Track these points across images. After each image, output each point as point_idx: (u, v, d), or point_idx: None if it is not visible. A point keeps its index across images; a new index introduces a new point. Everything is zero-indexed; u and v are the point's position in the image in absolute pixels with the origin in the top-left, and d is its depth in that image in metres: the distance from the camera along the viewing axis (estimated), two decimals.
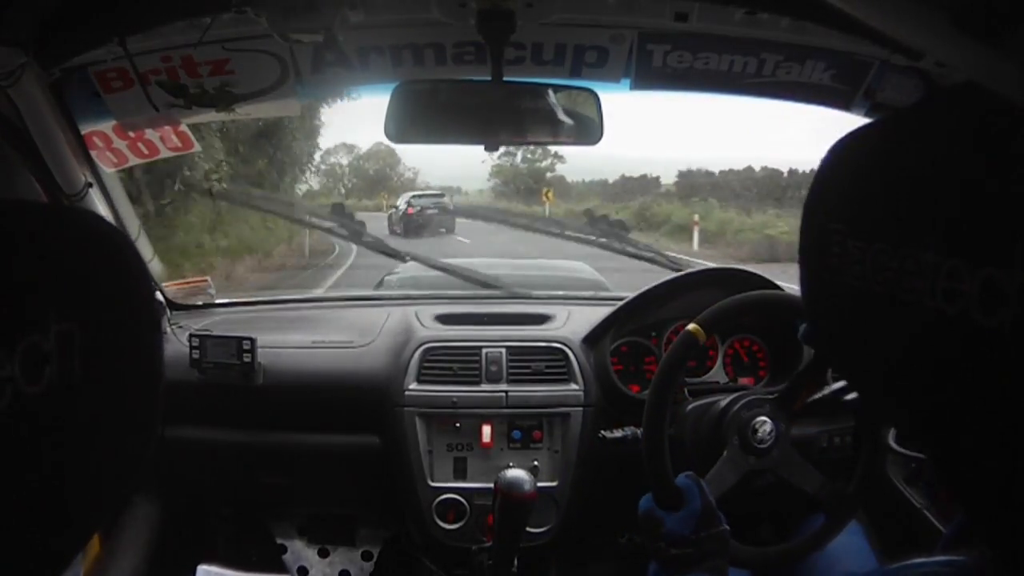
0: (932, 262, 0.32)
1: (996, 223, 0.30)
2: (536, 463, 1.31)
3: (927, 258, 0.32)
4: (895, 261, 0.34)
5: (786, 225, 9.35)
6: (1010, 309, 0.28)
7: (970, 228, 0.31)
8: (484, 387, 1.33)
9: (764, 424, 1.04)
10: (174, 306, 1.57)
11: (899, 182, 0.35)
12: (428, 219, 10.12)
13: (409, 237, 9.38)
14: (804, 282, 0.43)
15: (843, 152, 0.40)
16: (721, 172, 16.01)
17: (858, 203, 0.38)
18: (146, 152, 1.40)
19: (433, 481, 1.30)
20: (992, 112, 0.31)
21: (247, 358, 1.33)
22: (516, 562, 1.09)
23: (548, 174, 18.55)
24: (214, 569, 1.12)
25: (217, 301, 1.63)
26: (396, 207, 11.28)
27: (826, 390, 1.13)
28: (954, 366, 0.32)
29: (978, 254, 0.30)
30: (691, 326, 1.01)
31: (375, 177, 18.84)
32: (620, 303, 1.39)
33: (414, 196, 11.27)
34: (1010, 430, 0.29)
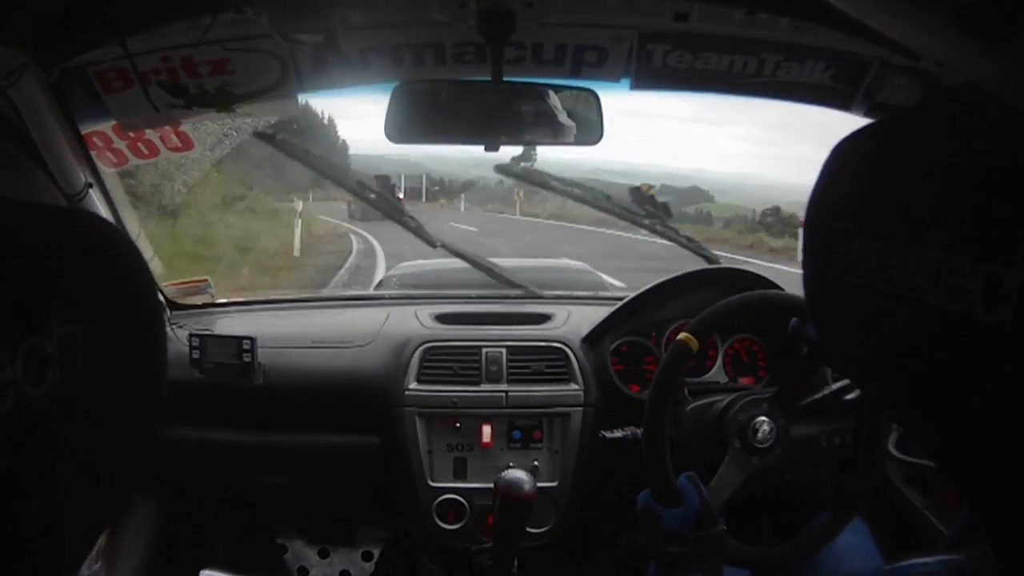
0: (935, 259, 0.32)
1: (998, 220, 0.30)
2: (536, 463, 1.31)
3: (930, 255, 0.32)
4: (898, 259, 0.34)
5: None
6: (1012, 305, 0.28)
7: (972, 225, 0.31)
8: (484, 387, 1.33)
9: (764, 424, 1.04)
10: (174, 306, 1.57)
11: (902, 180, 0.35)
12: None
13: None
14: (808, 281, 0.43)
15: (847, 151, 0.40)
16: None
17: (862, 202, 0.38)
18: (146, 152, 1.40)
19: (433, 481, 1.30)
20: (992, 111, 0.31)
21: (247, 358, 1.33)
22: (516, 562, 1.09)
23: None
24: (216, 574, 1.12)
25: (217, 301, 1.63)
26: None
27: (826, 390, 1.12)
28: (957, 364, 0.32)
29: (980, 251, 0.30)
30: (682, 335, 1.03)
31: None
32: (620, 303, 1.39)
33: None
34: (1013, 427, 0.30)
